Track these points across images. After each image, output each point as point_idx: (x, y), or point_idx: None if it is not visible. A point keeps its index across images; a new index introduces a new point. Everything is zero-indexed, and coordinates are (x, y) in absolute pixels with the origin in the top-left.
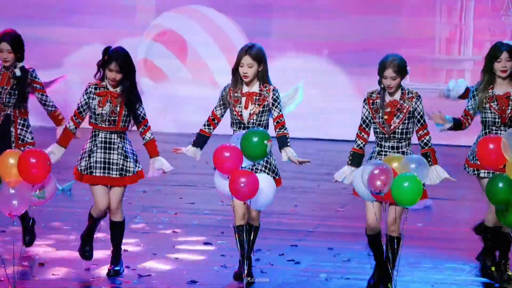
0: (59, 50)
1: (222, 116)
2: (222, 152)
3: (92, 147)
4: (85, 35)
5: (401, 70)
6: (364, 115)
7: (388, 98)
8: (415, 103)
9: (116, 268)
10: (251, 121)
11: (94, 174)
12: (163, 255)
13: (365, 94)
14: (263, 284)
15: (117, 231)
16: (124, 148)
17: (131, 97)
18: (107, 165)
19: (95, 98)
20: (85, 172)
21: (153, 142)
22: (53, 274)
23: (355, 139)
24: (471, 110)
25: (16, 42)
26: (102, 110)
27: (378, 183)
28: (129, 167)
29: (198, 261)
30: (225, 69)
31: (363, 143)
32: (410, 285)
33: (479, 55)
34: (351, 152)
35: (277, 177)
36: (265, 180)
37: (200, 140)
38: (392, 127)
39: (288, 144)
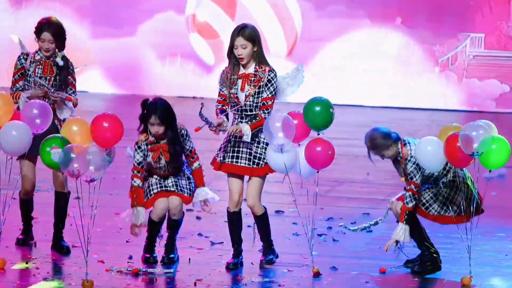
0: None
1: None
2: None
3: (149, 178)
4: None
5: (381, 144)
6: None
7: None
8: (405, 166)
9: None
10: (248, 102)
11: (152, 194)
12: None
13: (438, 62)
14: (335, 252)
15: (176, 225)
16: (183, 174)
17: (176, 149)
18: (164, 188)
19: (149, 155)
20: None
21: (199, 172)
22: (127, 241)
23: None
24: None
25: (58, 32)
26: (159, 164)
27: (475, 145)
28: (186, 188)
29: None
30: (275, 29)
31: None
32: (483, 254)
33: None
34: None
35: (260, 165)
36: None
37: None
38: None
39: (249, 123)
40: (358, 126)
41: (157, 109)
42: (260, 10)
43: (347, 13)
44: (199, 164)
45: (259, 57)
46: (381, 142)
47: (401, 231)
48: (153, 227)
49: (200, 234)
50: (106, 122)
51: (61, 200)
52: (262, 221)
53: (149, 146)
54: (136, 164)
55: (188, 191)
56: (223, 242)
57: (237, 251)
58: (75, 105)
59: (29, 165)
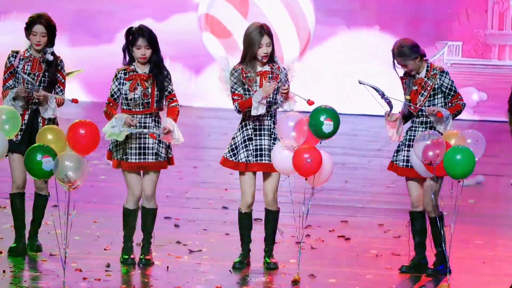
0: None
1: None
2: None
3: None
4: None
5: (407, 54)
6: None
7: (416, 76)
8: (439, 79)
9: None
10: (268, 99)
11: (130, 160)
12: (213, 230)
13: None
14: (313, 260)
15: (150, 218)
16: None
17: (161, 75)
18: (143, 151)
19: (125, 84)
20: (122, 158)
21: (175, 109)
22: (105, 249)
23: None
24: None
25: (50, 26)
26: (134, 94)
27: (430, 153)
28: (162, 152)
29: None
30: (287, 25)
31: None
32: (461, 262)
33: None
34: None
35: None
36: (326, 156)
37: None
38: (418, 105)
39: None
40: (336, 134)
41: (145, 32)
42: (273, 9)
43: (325, 20)
44: (177, 104)
45: (272, 55)
46: (407, 52)
47: (450, 117)
48: (128, 221)
49: (178, 242)
50: (83, 129)
51: (40, 202)
52: (274, 218)
53: (127, 75)
54: (109, 96)
55: (164, 156)
56: (201, 250)
57: (245, 251)
58: (60, 104)
59: (19, 160)
